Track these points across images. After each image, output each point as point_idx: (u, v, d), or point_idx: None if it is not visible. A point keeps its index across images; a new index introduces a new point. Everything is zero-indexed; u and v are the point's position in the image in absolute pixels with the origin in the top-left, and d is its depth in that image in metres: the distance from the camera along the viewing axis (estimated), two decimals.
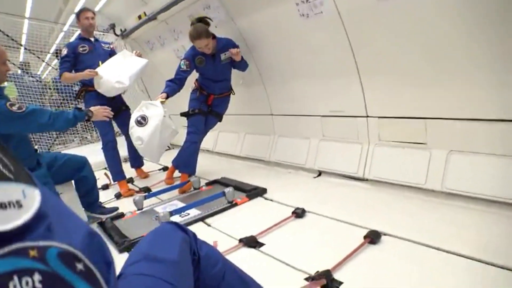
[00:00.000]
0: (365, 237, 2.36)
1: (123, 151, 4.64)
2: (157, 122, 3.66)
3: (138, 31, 5.94)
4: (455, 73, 2.71)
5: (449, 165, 2.87)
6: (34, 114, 2.64)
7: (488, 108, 2.63)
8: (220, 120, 4.45)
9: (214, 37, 3.99)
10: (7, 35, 6.13)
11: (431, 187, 2.92)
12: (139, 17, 5.54)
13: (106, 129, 4.25)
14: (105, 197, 4.07)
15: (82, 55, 4.19)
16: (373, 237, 2.35)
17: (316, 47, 3.58)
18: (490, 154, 2.66)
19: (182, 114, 4.26)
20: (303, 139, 4.18)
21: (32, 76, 7.32)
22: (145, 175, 5.00)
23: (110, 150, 4.36)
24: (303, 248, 2.44)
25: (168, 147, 5.77)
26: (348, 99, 3.58)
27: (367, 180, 3.44)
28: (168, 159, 4.52)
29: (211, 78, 4.20)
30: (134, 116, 3.75)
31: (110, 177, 4.54)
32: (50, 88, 7.50)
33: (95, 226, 3.28)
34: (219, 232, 2.81)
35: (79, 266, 0.51)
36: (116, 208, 3.57)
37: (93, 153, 5.86)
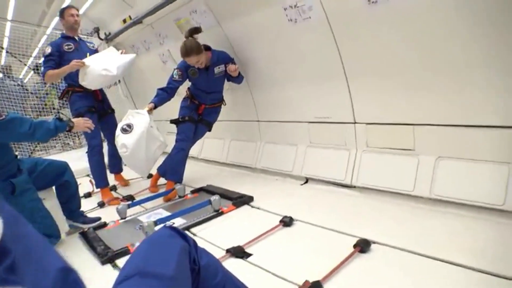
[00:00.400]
0: (354, 246, 2.32)
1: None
2: (142, 129, 3.60)
3: (122, 35, 5.83)
4: (443, 78, 2.71)
5: (437, 171, 2.86)
6: (14, 123, 2.54)
7: (477, 114, 2.63)
8: (210, 130, 4.40)
9: (209, 49, 3.96)
10: None
11: (419, 193, 2.91)
12: (124, 20, 5.45)
13: (94, 132, 4.06)
14: (88, 206, 3.95)
15: (68, 53, 4.05)
16: (363, 246, 2.30)
17: (303, 52, 3.55)
18: (479, 160, 2.66)
19: (172, 121, 4.20)
20: (290, 146, 4.14)
21: (13, 80, 7.15)
22: (125, 183, 4.88)
23: (96, 155, 4.25)
24: (292, 258, 2.38)
25: None
26: (336, 105, 3.55)
27: (355, 187, 3.41)
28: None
29: (203, 90, 4.17)
30: (120, 125, 3.69)
31: (94, 184, 4.43)
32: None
33: (76, 236, 3.18)
34: (206, 242, 2.73)
35: None
36: (99, 218, 3.46)
37: (75, 159, 5.76)
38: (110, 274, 2.45)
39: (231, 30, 4.15)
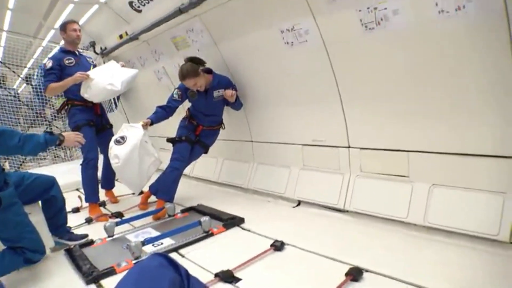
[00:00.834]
0: (346, 274, 2.27)
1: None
2: (135, 141, 3.59)
3: (118, 50, 5.84)
4: (439, 106, 2.71)
5: (432, 198, 2.84)
6: (3, 135, 2.50)
7: (473, 143, 2.62)
8: (206, 152, 4.39)
9: (210, 72, 3.99)
10: None
11: (413, 221, 2.89)
12: (121, 36, 5.45)
13: (90, 146, 4.07)
14: (76, 221, 3.85)
15: (69, 67, 4.06)
16: (355, 274, 2.26)
17: (299, 75, 3.55)
18: (474, 189, 2.64)
19: (169, 140, 4.21)
20: (283, 168, 4.11)
21: (7, 90, 7.09)
22: (115, 200, 4.80)
23: (90, 169, 4.19)
24: (282, 285, 2.33)
25: None
26: (330, 129, 3.54)
27: (347, 211, 3.38)
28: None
29: (202, 111, 4.19)
30: (114, 137, 3.70)
31: (82, 199, 4.36)
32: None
33: (62, 253, 3.10)
34: (194, 264, 2.66)
35: None
36: (86, 235, 3.37)
37: (65, 172, 5.69)
38: None
39: (227, 50, 4.15)
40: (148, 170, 3.78)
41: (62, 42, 4.41)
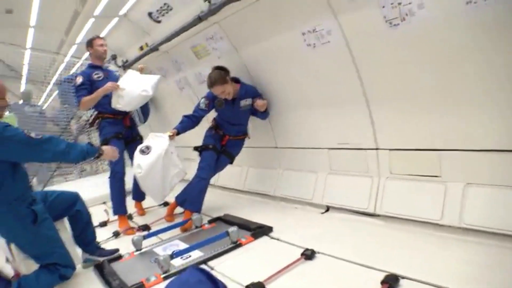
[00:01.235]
0: (382, 282, 2.18)
1: (129, 184, 4.49)
2: (160, 151, 3.58)
3: (139, 62, 5.84)
4: (470, 101, 2.60)
5: (467, 198, 2.72)
6: (51, 142, 2.61)
7: (506, 139, 2.50)
8: (231, 162, 4.37)
9: (237, 81, 4.00)
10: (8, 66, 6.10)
11: (448, 222, 2.77)
12: (141, 48, 5.48)
13: (117, 159, 4.10)
14: (103, 236, 3.83)
15: (98, 82, 4.13)
16: (391, 282, 2.16)
17: (323, 76, 3.48)
18: (510, 186, 2.51)
19: (195, 148, 4.21)
20: (310, 173, 4.02)
21: (32, 107, 7.23)
22: (142, 212, 4.80)
23: (117, 181, 4.23)
24: None
25: None
26: (357, 131, 3.45)
27: (378, 215, 3.27)
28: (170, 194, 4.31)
29: (228, 121, 4.19)
30: (139, 147, 3.70)
31: (110, 213, 4.37)
32: None
33: (91, 269, 3.09)
34: (223, 277, 2.58)
35: None
36: (117, 250, 3.36)
37: (93, 186, 5.73)
38: None
39: (248, 56, 4.11)
40: (171, 181, 3.74)
41: (85, 56, 4.48)
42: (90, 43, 4.23)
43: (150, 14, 4.70)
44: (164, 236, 3.66)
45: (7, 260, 2.85)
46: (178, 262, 2.91)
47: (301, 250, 2.77)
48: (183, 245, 3.28)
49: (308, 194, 3.95)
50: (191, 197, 4.02)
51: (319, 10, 3.07)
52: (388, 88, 3.05)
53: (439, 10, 2.44)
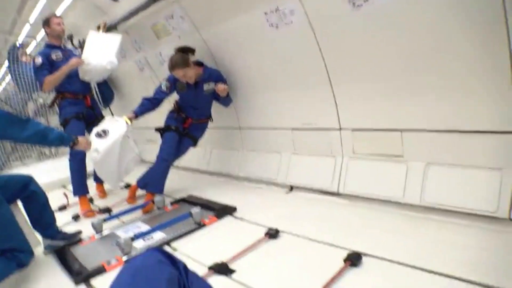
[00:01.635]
0: (345, 259, 2.20)
1: (90, 166, 4.29)
2: (117, 136, 3.45)
3: None
4: (433, 82, 2.63)
5: (428, 177, 2.79)
6: (32, 122, 2.62)
7: (468, 119, 2.56)
8: (195, 145, 4.29)
9: (201, 64, 3.91)
10: None
11: (409, 201, 2.83)
12: (98, 27, 5.28)
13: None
14: (62, 220, 3.69)
15: (58, 62, 3.97)
16: (354, 259, 2.19)
17: (286, 57, 3.45)
18: (470, 166, 2.58)
19: (157, 129, 4.11)
20: (274, 153, 4.03)
21: None
22: (104, 195, 4.68)
23: (77, 162, 4.10)
24: (279, 274, 2.25)
25: None
26: (320, 111, 3.46)
27: (342, 195, 3.31)
28: (131, 175, 4.19)
29: (190, 105, 4.09)
30: (95, 129, 3.55)
31: (70, 197, 4.25)
32: None
33: (51, 255, 2.97)
34: (187, 258, 2.56)
35: None
36: (80, 232, 3.26)
37: (52, 170, 5.55)
38: None
39: (210, 36, 4.04)
40: (127, 166, 3.65)
41: (41, 36, 4.29)
42: (47, 22, 4.04)
43: None
44: (125, 218, 3.59)
45: None
46: (140, 244, 2.86)
47: (265, 230, 2.78)
48: (145, 227, 3.22)
49: (272, 174, 3.95)
50: (153, 179, 3.96)
51: None
52: (352, 70, 3.05)
53: None
